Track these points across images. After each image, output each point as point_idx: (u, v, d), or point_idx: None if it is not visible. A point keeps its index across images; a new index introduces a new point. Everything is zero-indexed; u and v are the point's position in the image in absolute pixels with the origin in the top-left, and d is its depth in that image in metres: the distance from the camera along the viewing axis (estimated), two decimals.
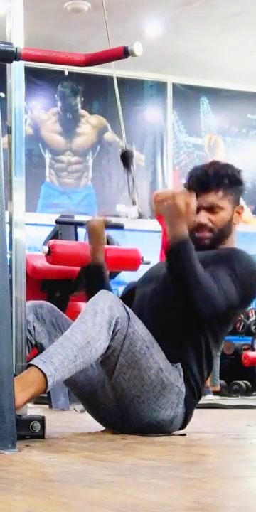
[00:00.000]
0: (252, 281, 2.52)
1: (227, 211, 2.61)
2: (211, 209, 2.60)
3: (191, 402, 2.51)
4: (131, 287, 2.86)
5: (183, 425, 2.53)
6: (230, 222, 2.62)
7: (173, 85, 9.88)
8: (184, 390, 2.46)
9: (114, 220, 2.82)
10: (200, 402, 2.65)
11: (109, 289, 2.74)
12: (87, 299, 2.82)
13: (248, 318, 8.21)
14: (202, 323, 2.49)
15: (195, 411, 2.59)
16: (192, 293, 2.36)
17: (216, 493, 1.30)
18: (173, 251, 2.40)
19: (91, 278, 2.82)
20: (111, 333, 2.29)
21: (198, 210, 2.55)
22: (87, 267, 2.84)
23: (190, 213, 2.39)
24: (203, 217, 2.59)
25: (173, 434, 2.47)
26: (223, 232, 2.62)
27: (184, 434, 2.47)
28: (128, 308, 2.37)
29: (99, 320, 2.26)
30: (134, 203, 2.65)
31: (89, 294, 2.76)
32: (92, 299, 2.35)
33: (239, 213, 2.65)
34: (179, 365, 2.47)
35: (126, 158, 2.69)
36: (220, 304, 2.40)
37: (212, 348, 2.55)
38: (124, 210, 2.76)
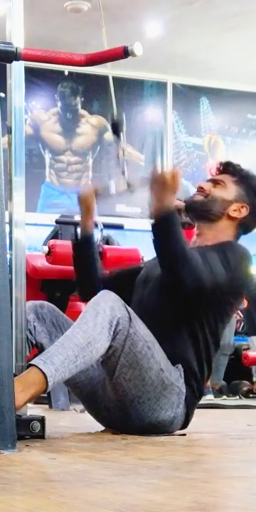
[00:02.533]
0: (242, 268, 2.53)
1: (228, 193, 2.66)
2: (216, 183, 2.69)
3: (192, 402, 2.51)
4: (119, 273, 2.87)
5: (185, 425, 2.53)
6: (226, 205, 2.64)
7: (173, 85, 9.88)
8: (184, 391, 2.46)
9: (105, 190, 2.77)
10: (200, 402, 2.65)
11: (97, 261, 2.80)
12: (75, 276, 2.84)
13: None
14: (198, 317, 2.49)
15: (195, 411, 2.59)
16: (177, 265, 2.37)
17: (216, 493, 1.30)
18: (158, 223, 2.42)
19: (81, 251, 2.83)
20: (112, 333, 2.29)
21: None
22: (77, 240, 2.83)
23: (176, 185, 2.42)
24: (205, 184, 2.70)
25: (174, 434, 2.47)
26: (213, 205, 2.65)
27: (184, 434, 2.47)
28: (129, 309, 2.37)
29: (100, 320, 2.26)
30: (123, 173, 2.63)
31: (78, 269, 2.82)
32: (93, 299, 2.34)
33: (239, 210, 2.66)
34: (179, 365, 2.47)
35: (116, 127, 2.65)
36: (205, 276, 2.39)
37: (210, 346, 2.55)
38: (112, 183, 2.70)
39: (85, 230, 2.81)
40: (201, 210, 2.66)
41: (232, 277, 2.48)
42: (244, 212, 2.66)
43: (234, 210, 2.65)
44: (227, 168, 2.74)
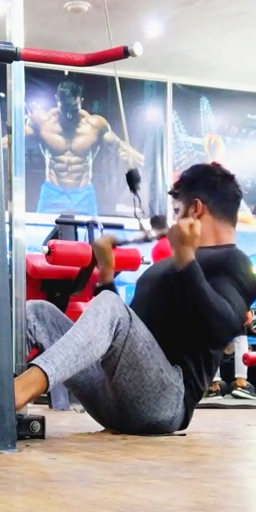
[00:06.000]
0: (252, 285, 2.52)
1: (180, 211, 2.69)
2: (177, 212, 2.73)
3: (191, 402, 2.51)
4: None
5: (184, 425, 2.53)
6: (189, 216, 2.62)
7: (173, 85, 9.89)
8: (184, 391, 2.46)
9: (121, 239, 2.70)
10: (200, 402, 2.65)
11: None
12: None
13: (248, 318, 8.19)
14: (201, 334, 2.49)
15: (195, 411, 2.59)
16: (209, 321, 2.36)
17: (216, 493, 1.30)
18: (181, 277, 2.39)
19: None
20: (113, 333, 2.29)
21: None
22: (98, 288, 2.70)
23: (194, 236, 2.37)
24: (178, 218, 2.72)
25: (173, 434, 2.47)
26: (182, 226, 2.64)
27: (184, 434, 2.47)
28: (130, 309, 2.37)
29: (101, 320, 2.26)
30: (141, 227, 2.60)
31: None
32: (94, 299, 2.35)
33: (195, 209, 2.64)
34: (178, 365, 2.47)
35: (131, 179, 2.58)
36: (237, 323, 2.41)
37: (210, 350, 2.54)
38: (131, 236, 2.66)
39: (105, 281, 2.69)
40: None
41: (247, 299, 2.49)
42: (200, 204, 2.64)
43: (194, 212, 2.64)
44: (173, 194, 2.75)
